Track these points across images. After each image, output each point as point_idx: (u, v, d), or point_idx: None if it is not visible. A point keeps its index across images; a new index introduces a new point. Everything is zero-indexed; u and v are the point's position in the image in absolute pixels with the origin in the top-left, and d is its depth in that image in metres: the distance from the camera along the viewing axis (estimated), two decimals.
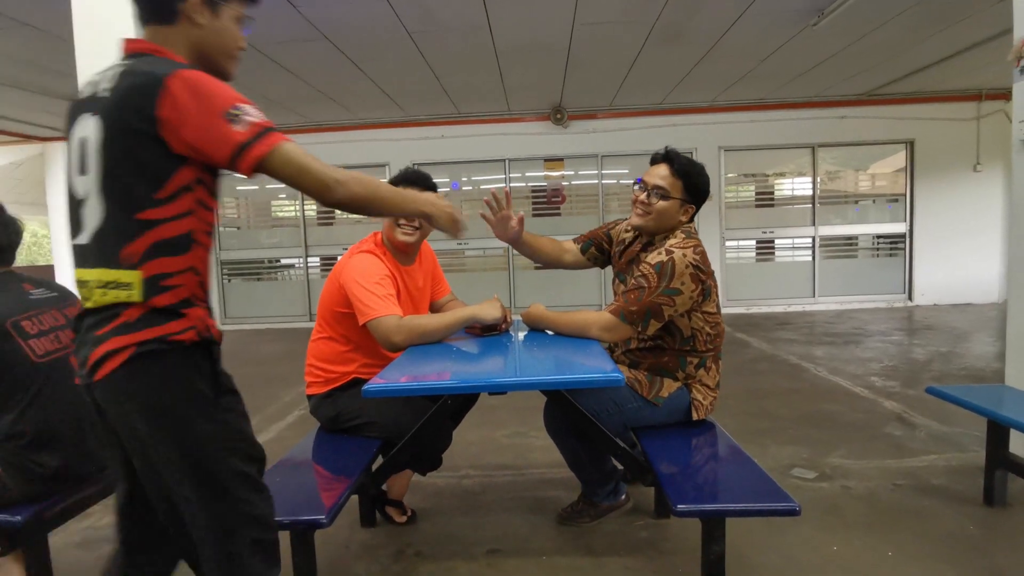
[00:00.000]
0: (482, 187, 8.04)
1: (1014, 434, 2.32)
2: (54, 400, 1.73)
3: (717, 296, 2.05)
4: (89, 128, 1.12)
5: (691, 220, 2.09)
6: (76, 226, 1.16)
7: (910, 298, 7.83)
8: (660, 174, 2.02)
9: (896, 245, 7.87)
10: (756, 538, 2.15)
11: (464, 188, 8.08)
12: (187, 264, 1.15)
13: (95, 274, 1.12)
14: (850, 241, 7.97)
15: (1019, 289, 2.67)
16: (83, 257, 1.15)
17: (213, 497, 1.16)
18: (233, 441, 1.20)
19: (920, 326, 6.46)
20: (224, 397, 1.21)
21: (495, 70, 5.84)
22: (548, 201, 8.01)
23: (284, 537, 1.70)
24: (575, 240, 2.39)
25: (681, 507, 1.53)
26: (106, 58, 2.66)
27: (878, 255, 8.01)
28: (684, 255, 1.91)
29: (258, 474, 1.25)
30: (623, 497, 2.31)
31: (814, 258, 7.88)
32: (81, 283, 1.16)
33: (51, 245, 8.47)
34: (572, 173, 7.96)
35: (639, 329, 1.94)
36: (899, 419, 3.43)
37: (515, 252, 7.84)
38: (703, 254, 1.96)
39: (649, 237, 2.11)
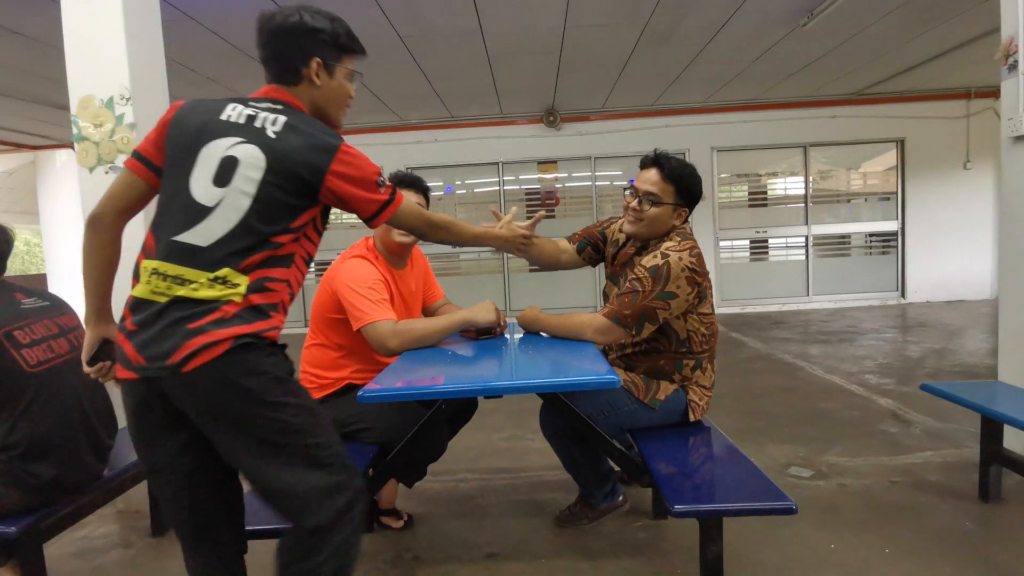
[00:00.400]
0: (476, 190, 8.05)
1: (1008, 429, 2.34)
2: (47, 410, 1.72)
3: (712, 296, 2.05)
4: (243, 152, 1.26)
5: (685, 222, 2.08)
6: (187, 224, 1.24)
7: (903, 296, 7.87)
8: (650, 179, 2.00)
9: (889, 243, 7.91)
10: (754, 537, 2.15)
11: (458, 192, 8.08)
12: (285, 276, 1.31)
13: (203, 275, 1.21)
14: (843, 240, 8.01)
15: (1011, 285, 2.69)
16: (187, 255, 1.22)
17: (308, 470, 1.26)
18: (313, 419, 1.30)
19: (913, 323, 6.49)
20: (294, 379, 1.33)
21: (487, 73, 5.85)
22: (542, 203, 8.02)
23: None
24: (569, 239, 2.36)
25: (678, 508, 1.53)
26: (97, 65, 2.67)
27: (871, 253, 8.05)
28: (680, 258, 1.89)
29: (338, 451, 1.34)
30: (620, 499, 2.31)
31: (807, 257, 7.91)
32: (168, 276, 1.22)
33: (43, 254, 8.42)
34: (566, 175, 7.98)
35: (633, 333, 1.94)
36: (894, 416, 3.45)
37: (510, 256, 7.88)
38: (699, 256, 1.95)
39: (643, 241, 2.08)
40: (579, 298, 7.81)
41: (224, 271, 1.22)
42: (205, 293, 1.21)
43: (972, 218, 7.68)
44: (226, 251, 1.22)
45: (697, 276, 1.91)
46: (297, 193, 1.28)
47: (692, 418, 2.07)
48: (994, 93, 7.20)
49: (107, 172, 2.60)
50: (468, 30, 4.66)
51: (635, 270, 1.95)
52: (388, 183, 1.42)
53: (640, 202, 2.00)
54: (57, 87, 5.01)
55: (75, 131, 2.61)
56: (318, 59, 1.37)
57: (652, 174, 2.00)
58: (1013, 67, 2.58)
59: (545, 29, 4.75)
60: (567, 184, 7.99)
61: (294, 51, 1.36)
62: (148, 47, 2.71)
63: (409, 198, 2.17)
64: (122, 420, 2.34)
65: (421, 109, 7.18)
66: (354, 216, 1.44)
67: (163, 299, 1.21)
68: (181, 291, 1.21)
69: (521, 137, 7.81)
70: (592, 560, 2.09)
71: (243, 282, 1.23)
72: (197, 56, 4.85)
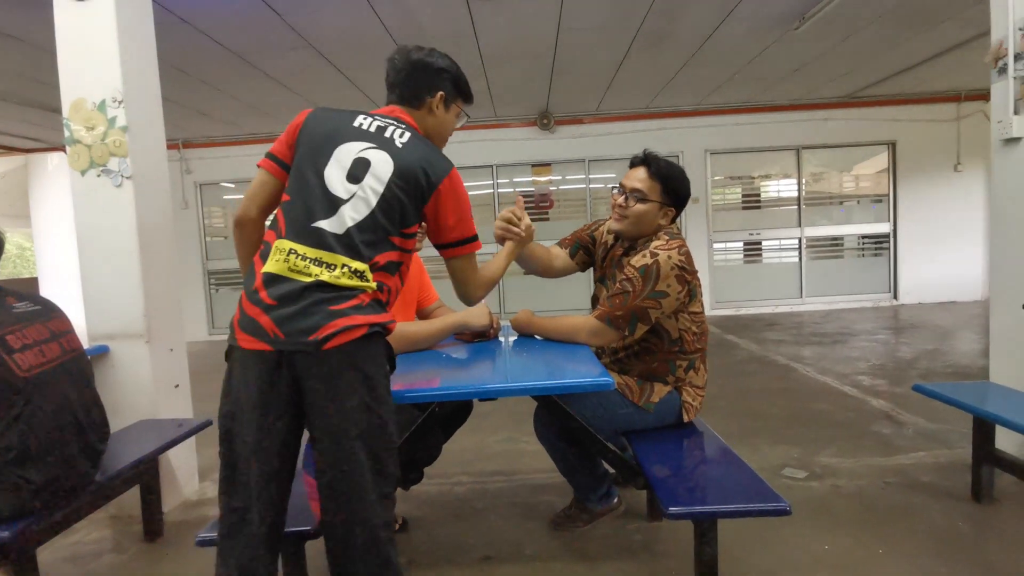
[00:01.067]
0: (471, 193, 8.02)
1: (1000, 430, 2.35)
2: (40, 415, 1.70)
3: (702, 295, 2.05)
4: (375, 156, 1.41)
5: (673, 223, 2.09)
6: (323, 212, 1.37)
7: (895, 297, 7.92)
8: (638, 177, 2.02)
9: (881, 245, 7.96)
10: (748, 538, 2.16)
11: None
12: (392, 283, 1.46)
13: (345, 260, 1.34)
14: (836, 242, 8.05)
15: (1002, 287, 2.71)
16: (324, 240, 1.35)
17: (382, 466, 1.36)
18: (393, 430, 1.41)
19: (906, 325, 6.53)
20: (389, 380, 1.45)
21: (481, 77, 5.86)
22: (536, 206, 8.03)
23: None
24: (560, 244, 2.35)
25: (673, 510, 1.53)
26: (89, 68, 2.66)
27: (863, 255, 8.10)
28: (669, 257, 1.90)
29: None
30: (615, 501, 2.31)
31: (800, 259, 7.95)
32: (308, 258, 1.34)
33: (35, 257, 8.37)
34: (560, 178, 7.99)
35: (626, 333, 1.94)
36: (887, 417, 3.47)
37: None
38: (688, 254, 1.95)
39: (631, 241, 2.09)
40: (573, 301, 7.81)
41: (362, 266, 1.35)
42: (346, 282, 1.33)
43: (963, 220, 7.74)
44: (357, 240, 1.36)
45: (687, 274, 1.92)
46: (414, 197, 1.43)
47: (686, 419, 2.07)
48: (984, 96, 7.26)
49: (99, 175, 2.59)
50: (461, 33, 4.66)
51: (624, 271, 1.95)
52: (471, 227, 1.56)
53: (626, 199, 2.01)
54: (49, 90, 4.99)
55: (67, 134, 2.59)
56: (442, 92, 1.60)
57: (640, 172, 2.03)
58: (1003, 70, 2.61)
59: (538, 32, 4.76)
60: (561, 187, 8.01)
61: (425, 82, 1.58)
62: (141, 50, 2.70)
63: None
64: (114, 425, 2.34)
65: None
66: None
67: (306, 279, 1.32)
68: (325, 275, 1.32)
69: (515, 140, 7.83)
70: (587, 562, 2.09)
71: (370, 277, 1.37)
72: (190, 59, 4.84)
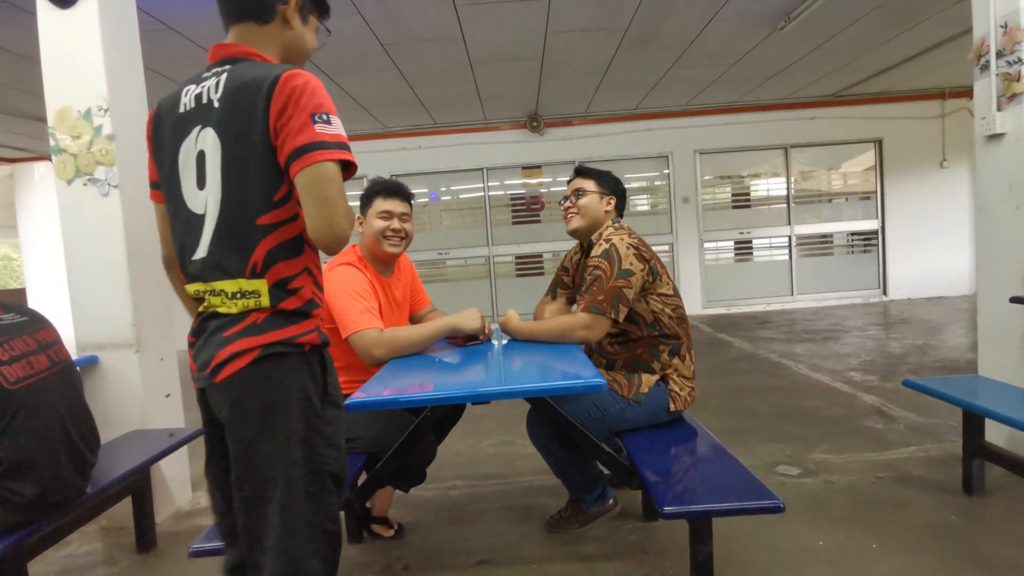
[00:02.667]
0: (461, 196, 8.05)
1: (989, 423, 2.37)
2: (28, 428, 1.68)
3: (670, 279, 2.13)
4: (204, 139, 1.15)
5: (619, 214, 2.28)
6: (192, 240, 1.18)
7: (885, 293, 7.98)
8: (574, 184, 2.29)
9: (870, 241, 8.03)
10: (743, 536, 2.17)
11: (443, 198, 8.08)
12: (301, 266, 1.19)
13: (221, 286, 1.16)
14: (825, 239, 8.11)
15: (988, 281, 2.74)
16: (205, 270, 1.17)
17: (294, 502, 1.14)
18: (327, 455, 1.19)
19: (895, 320, 6.58)
20: (329, 409, 1.21)
21: (470, 80, 5.86)
22: (527, 208, 8.04)
23: None
24: (548, 296, 2.48)
25: (667, 509, 1.53)
26: (74, 76, 2.64)
27: (853, 252, 8.16)
28: (622, 239, 2.07)
29: (337, 492, 1.22)
30: (611, 502, 2.32)
31: (791, 257, 8.00)
32: (202, 292, 1.19)
33: (22, 268, 8.29)
34: (550, 180, 8.01)
35: (612, 316, 1.99)
36: (878, 412, 3.49)
37: (497, 261, 7.92)
38: (640, 239, 2.13)
39: (587, 241, 2.26)
40: None
41: (240, 284, 1.14)
42: (229, 307, 1.15)
43: (949, 215, 7.82)
44: (230, 256, 1.14)
45: (643, 253, 2.06)
46: (262, 157, 1.12)
47: (672, 408, 2.09)
48: (968, 93, 7.35)
49: (85, 184, 2.57)
50: (450, 37, 4.67)
51: (589, 263, 2.09)
52: (337, 131, 1.13)
53: (572, 199, 2.26)
54: (34, 99, 4.95)
55: (53, 143, 2.57)
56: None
57: (575, 180, 2.31)
58: (985, 67, 2.64)
59: (526, 35, 4.77)
60: (552, 189, 8.02)
61: None
62: (126, 57, 2.68)
63: (394, 206, 2.18)
64: (105, 436, 2.32)
65: (405, 116, 7.17)
66: None
67: (205, 310, 1.20)
68: (217, 304, 1.17)
69: (505, 143, 7.84)
70: (583, 564, 2.09)
71: (261, 287, 1.14)
72: (176, 65, 4.82)
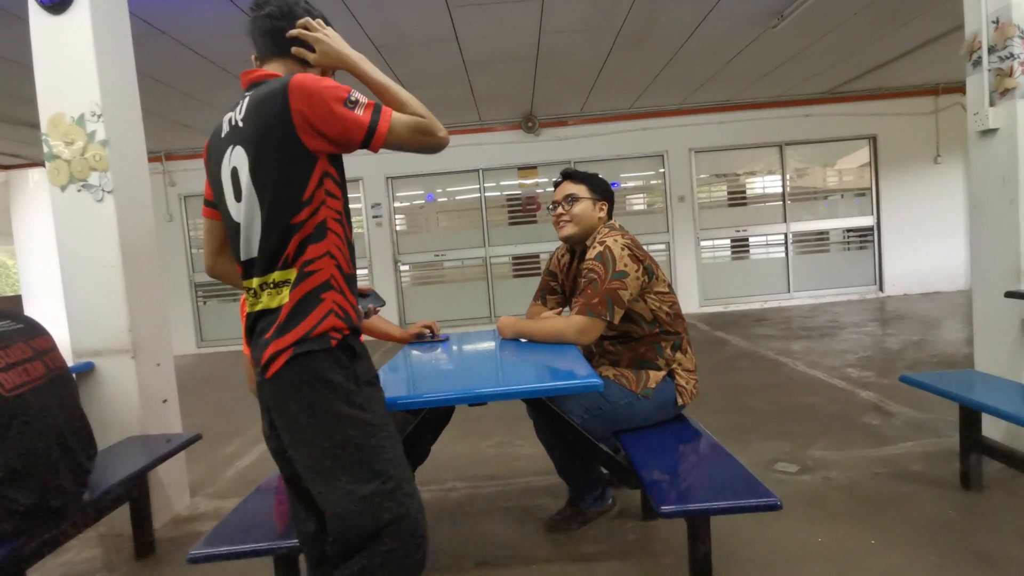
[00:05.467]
0: (457, 198, 8.05)
1: (986, 417, 2.38)
2: (25, 435, 1.68)
3: (664, 276, 2.14)
4: (235, 158, 1.30)
5: (610, 217, 2.25)
6: (240, 245, 1.33)
7: (881, 289, 8.00)
8: (565, 189, 2.25)
9: (865, 238, 8.05)
10: (742, 534, 2.17)
11: (439, 199, 8.07)
12: (323, 250, 1.29)
13: (268, 278, 1.29)
14: (821, 236, 8.12)
15: (983, 276, 2.74)
16: (251, 270, 1.33)
17: (339, 473, 1.26)
18: (368, 435, 1.29)
19: (892, 316, 6.60)
20: (364, 388, 1.32)
21: (464, 81, 5.86)
22: (523, 209, 8.04)
23: (268, 563, 1.68)
24: (537, 302, 2.46)
25: (665, 508, 1.54)
26: (67, 82, 2.64)
27: (849, 248, 8.18)
28: (615, 240, 2.06)
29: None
30: (610, 502, 2.32)
31: (787, 254, 8.02)
32: (250, 290, 1.34)
33: (18, 275, 8.26)
34: (546, 180, 8.01)
35: (608, 318, 1.99)
36: (876, 408, 3.50)
37: (493, 262, 7.92)
38: (633, 239, 2.13)
39: (580, 246, 2.25)
40: None
41: (273, 275, 1.28)
42: (267, 302, 1.30)
43: (944, 211, 7.84)
44: (269, 254, 1.28)
45: (637, 253, 2.05)
46: (287, 161, 1.25)
47: (680, 402, 2.11)
48: (961, 89, 7.34)
49: (79, 190, 2.56)
50: (443, 38, 4.66)
51: (584, 267, 2.08)
52: (365, 100, 1.29)
53: (564, 205, 2.22)
54: (27, 105, 4.93)
55: (46, 149, 2.56)
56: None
57: (565, 185, 2.27)
58: (977, 63, 2.65)
59: (520, 36, 4.77)
60: (548, 189, 8.02)
61: (294, 20, 1.40)
62: (119, 62, 2.68)
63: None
64: (102, 442, 2.32)
65: None
66: None
67: (255, 309, 1.33)
68: (264, 299, 1.31)
69: (500, 143, 7.84)
70: (583, 564, 2.09)
71: (290, 276, 1.27)
72: (170, 70, 4.81)
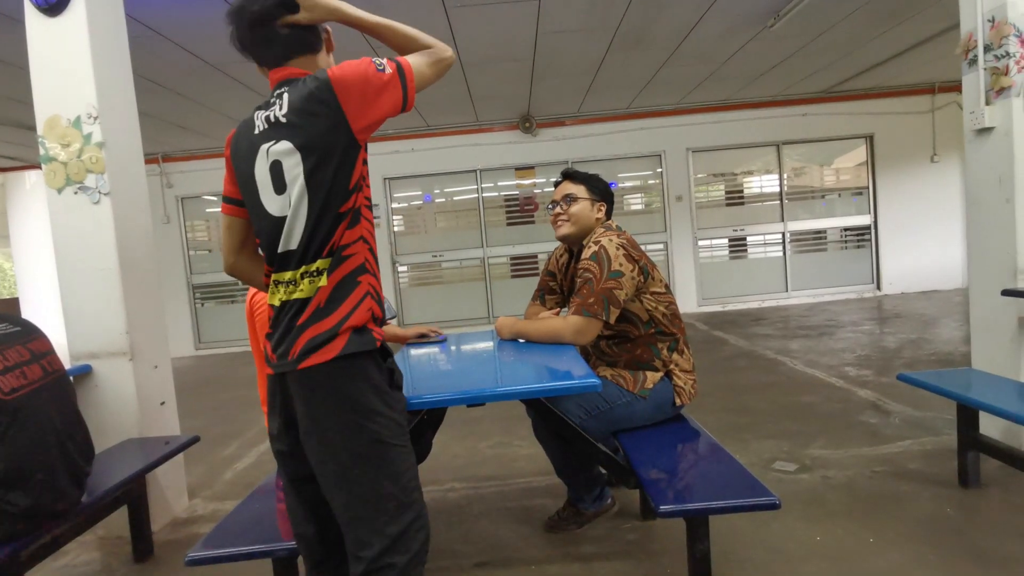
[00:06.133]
0: (455, 198, 8.05)
1: (984, 415, 2.39)
2: (23, 438, 1.68)
3: (660, 276, 2.14)
4: (278, 152, 1.28)
5: (609, 218, 2.25)
6: (278, 238, 1.31)
7: (879, 288, 8.01)
8: (564, 188, 2.25)
9: (863, 237, 8.06)
10: (741, 533, 2.17)
11: (437, 200, 8.07)
12: (357, 235, 1.32)
13: (310, 267, 1.28)
14: (819, 235, 8.13)
15: (980, 274, 2.75)
16: (288, 261, 1.31)
17: (361, 478, 1.28)
18: (396, 434, 1.32)
19: (890, 314, 6.61)
20: (395, 391, 1.36)
21: (462, 82, 5.86)
22: (521, 209, 8.05)
23: (267, 565, 1.68)
24: (536, 302, 2.46)
25: (664, 508, 1.54)
26: (63, 84, 2.63)
27: (846, 247, 8.19)
28: (611, 240, 2.06)
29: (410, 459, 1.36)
30: (609, 502, 2.32)
31: (785, 253, 8.03)
32: (282, 283, 1.32)
33: (15, 278, 8.24)
34: (544, 180, 8.01)
35: (604, 319, 2.00)
36: (874, 407, 3.50)
37: (491, 262, 7.92)
38: (629, 239, 2.13)
39: (577, 246, 2.25)
40: None
41: (317, 263, 1.28)
42: (308, 290, 1.28)
43: (941, 210, 7.86)
44: (317, 243, 1.27)
45: (633, 253, 2.05)
46: (343, 154, 1.27)
47: (678, 402, 2.11)
48: (957, 87, 7.38)
49: (76, 193, 2.56)
50: (440, 38, 4.65)
51: (580, 267, 2.08)
52: (385, 62, 1.31)
53: (562, 205, 2.22)
54: (24, 107, 4.93)
55: (42, 152, 2.56)
56: (328, 29, 1.45)
57: (564, 184, 2.27)
58: (973, 61, 2.65)
59: (517, 36, 4.77)
60: (545, 189, 8.02)
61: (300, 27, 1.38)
62: (115, 64, 2.67)
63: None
64: (100, 445, 2.31)
65: (396, 119, 7.13)
66: None
67: (286, 299, 1.31)
68: (295, 293, 1.29)
69: (498, 144, 7.84)
70: (583, 564, 2.09)
71: (325, 263, 1.28)
72: (166, 72, 4.80)
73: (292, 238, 1.29)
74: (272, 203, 1.31)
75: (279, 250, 1.31)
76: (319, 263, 1.28)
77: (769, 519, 2.23)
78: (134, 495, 2.35)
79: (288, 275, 1.30)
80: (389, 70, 1.29)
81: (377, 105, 1.28)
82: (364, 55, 1.35)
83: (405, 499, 1.31)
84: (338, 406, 1.27)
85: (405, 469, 1.32)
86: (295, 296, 1.29)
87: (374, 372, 1.30)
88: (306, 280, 1.28)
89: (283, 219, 1.29)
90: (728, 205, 8.19)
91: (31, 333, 1.89)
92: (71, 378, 2.19)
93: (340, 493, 1.28)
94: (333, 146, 1.26)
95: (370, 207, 1.37)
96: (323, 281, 1.28)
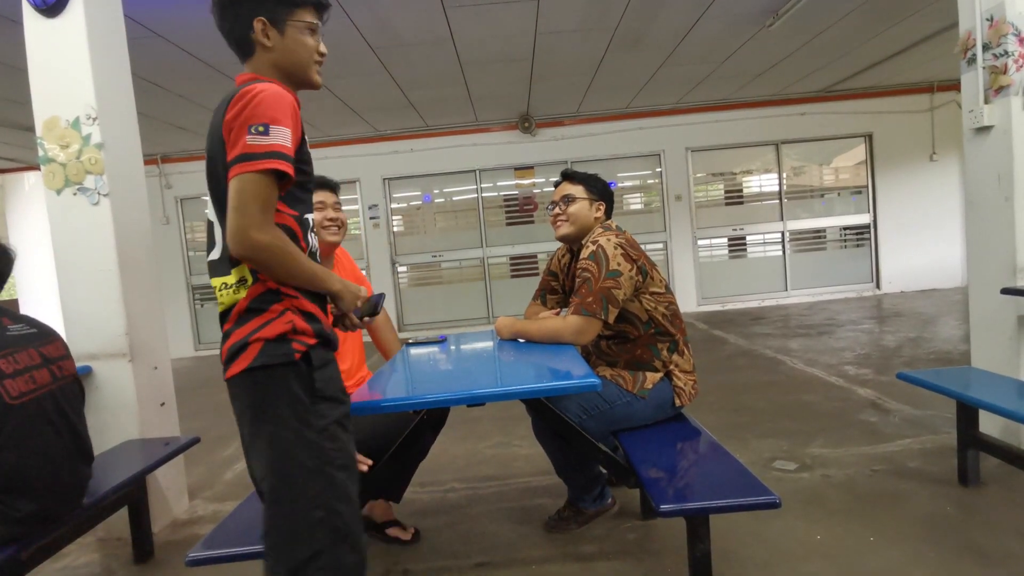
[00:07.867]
0: (454, 199, 8.05)
1: (983, 414, 2.39)
2: (27, 443, 1.67)
3: (660, 276, 2.14)
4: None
5: (608, 218, 2.26)
6: (211, 244, 1.32)
7: (878, 286, 8.01)
8: (563, 189, 2.27)
9: (862, 236, 8.06)
10: (741, 532, 2.17)
11: (436, 200, 8.07)
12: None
13: (224, 279, 1.28)
14: (818, 234, 8.13)
15: (979, 272, 2.75)
16: (214, 269, 1.32)
17: (282, 497, 1.23)
18: (325, 447, 1.25)
19: (889, 313, 6.61)
20: (319, 404, 1.26)
21: (461, 82, 5.86)
22: (520, 209, 8.04)
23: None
24: (536, 301, 2.47)
25: (664, 507, 1.54)
26: (61, 85, 2.63)
27: (845, 246, 8.19)
28: (608, 239, 2.07)
29: (345, 480, 1.28)
30: (609, 501, 2.32)
31: (784, 252, 8.02)
32: (216, 286, 1.32)
33: (14, 279, 8.23)
34: (543, 180, 8.01)
35: (603, 318, 2.00)
36: (873, 405, 3.51)
37: (491, 262, 7.92)
38: (628, 238, 2.13)
39: (577, 245, 2.26)
40: None
41: (230, 276, 1.27)
42: (227, 300, 1.28)
43: (940, 208, 7.86)
44: (227, 255, 1.26)
45: (631, 252, 2.05)
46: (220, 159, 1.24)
47: (678, 403, 2.11)
48: (956, 86, 7.35)
49: (75, 194, 2.55)
50: (439, 39, 4.66)
51: (579, 266, 2.09)
52: (272, 141, 1.16)
53: (561, 205, 2.24)
54: (22, 108, 4.92)
55: (41, 153, 2.56)
56: (261, 19, 1.28)
57: (563, 185, 2.29)
58: (972, 60, 2.65)
59: (516, 36, 4.77)
60: (545, 189, 8.02)
61: (236, 20, 1.30)
62: (114, 65, 2.67)
63: (325, 197, 2.14)
64: (100, 446, 2.31)
65: (395, 119, 7.16)
66: None
67: (220, 308, 1.32)
68: (223, 298, 1.29)
69: (497, 144, 7.83)
70: (583, 563, 2.09)
71: (245, 275, 1.25)
72: (165, 73, 4.79)
73: (218, 246, 1.30)
74: (210, 209, 1.33)
75: (209, 257, 1.33)
76: (237, 274, 1.26)
77: (769, 518, 2.23)
78: (134, 496, 2.35)
79: (217, 281, 1.31)
80: (255, 142, 1.17)
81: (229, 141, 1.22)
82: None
83: (305, 534, 1.20)
84: (253, 419, 1.24)
85: (314, 495, 1.21)
86: (222, 301, 1.30)
87: (293, 385, 1.23)
88: (232, 288, 1.27)
89: (212, 224, 1.32)
90: (727, 204, 8.19)
91: (46, 336, 1.88)
92: (82, 385, 2.19)
93: (264, 502, 1.27)
94: (221, 162, 1.23)
95: (300, 218, 1.31)
96: (243, 292, 1.26)
